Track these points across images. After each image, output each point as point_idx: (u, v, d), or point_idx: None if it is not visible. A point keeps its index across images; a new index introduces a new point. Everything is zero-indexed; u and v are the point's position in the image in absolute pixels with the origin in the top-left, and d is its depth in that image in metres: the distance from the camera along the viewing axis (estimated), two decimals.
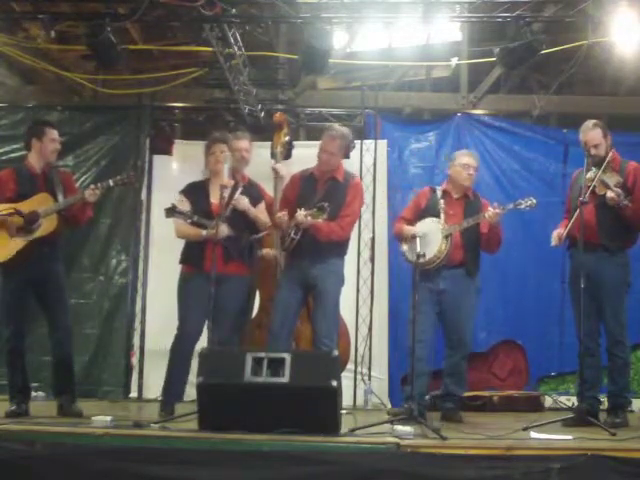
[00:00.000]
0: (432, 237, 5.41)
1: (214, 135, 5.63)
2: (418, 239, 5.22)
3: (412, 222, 5.65)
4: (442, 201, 5.60)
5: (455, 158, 5.84)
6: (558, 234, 5.30)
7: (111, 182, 5.33)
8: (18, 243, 5.13)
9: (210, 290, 4.90)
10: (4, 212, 5.14)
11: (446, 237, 5.44)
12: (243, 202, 5.33)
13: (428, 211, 5.66)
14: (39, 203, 5.20)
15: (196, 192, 5.46)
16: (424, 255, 5.22)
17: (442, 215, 5.53)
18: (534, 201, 5.46)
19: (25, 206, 5.17)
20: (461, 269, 5.55)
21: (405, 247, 5.59)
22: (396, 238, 5.88)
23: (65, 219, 5.32)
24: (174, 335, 5.32)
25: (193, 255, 5.35)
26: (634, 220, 5.17)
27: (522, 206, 5.48)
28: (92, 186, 5.29)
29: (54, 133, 5.41)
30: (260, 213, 5.47)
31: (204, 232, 5.20)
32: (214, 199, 5.30)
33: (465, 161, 5.75)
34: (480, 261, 5.73)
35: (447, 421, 5.37)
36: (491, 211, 5.43)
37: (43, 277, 5.26)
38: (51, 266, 5.31)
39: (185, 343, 5.27)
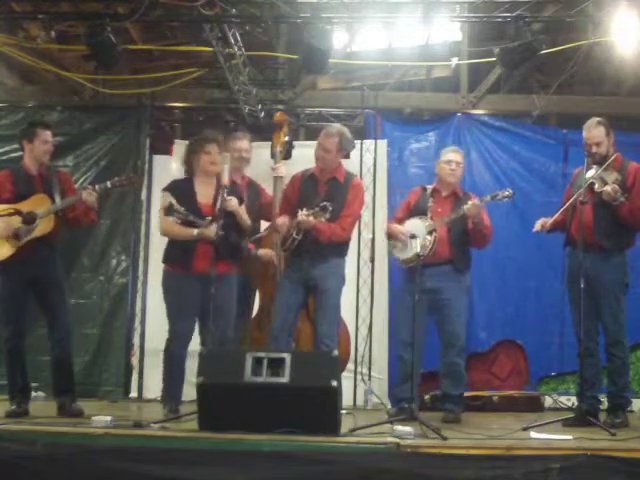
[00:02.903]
0: (419, 235, 5.36)
1: (210, 134, 5.46)
2: (418, 239, 5.22)
3: (403, 221, 5.66)
4: (431, 199, 5.60)
5: (440, 156, 5.85)
6: (543, 222, 5.29)
7: (109, 184, 5.33)
8: (14, 244, 5.13)
9: (210, 291, 4.86)
10: (4, 212, 5.14)
11: (430, 233, 5.42)
12: (233, 203, 5.24)
13: (417, 209, 5.66)
14: (36, 204, 5.19)
15: (181, 190, 5.28)
16: (423, 255, 5.22)
17: (428, 213, 5.52)
18: (510, 191, 5.51)
19: (22, 207, 5.17)
20: (448, 265, 5.52)
21: (395, 248, 5.60)
22: (387, 238, 5.87)
23: (65, 220, 5.32)
24: (166, 339, 5.26)
25: (179, 255, 5.20)
26: (630, 219, 5.15)
27: (499, 197, 5.51)
28: (89, 187, 5.27)
29: (46, 134, 5.36)
30: (243, 213, 5.35)
31: (195, 232, 5.07)
32: (202, 199, 5.23)
33: (448, 157, 5.76)
34: (470, 258, 5.69)
35: (446, 423, 5.31)
36: (469, 203, 5.43)
37: (42, 278, 5.26)
38: (50, 267, 5.30)
39: (177, 345, 5.19)
